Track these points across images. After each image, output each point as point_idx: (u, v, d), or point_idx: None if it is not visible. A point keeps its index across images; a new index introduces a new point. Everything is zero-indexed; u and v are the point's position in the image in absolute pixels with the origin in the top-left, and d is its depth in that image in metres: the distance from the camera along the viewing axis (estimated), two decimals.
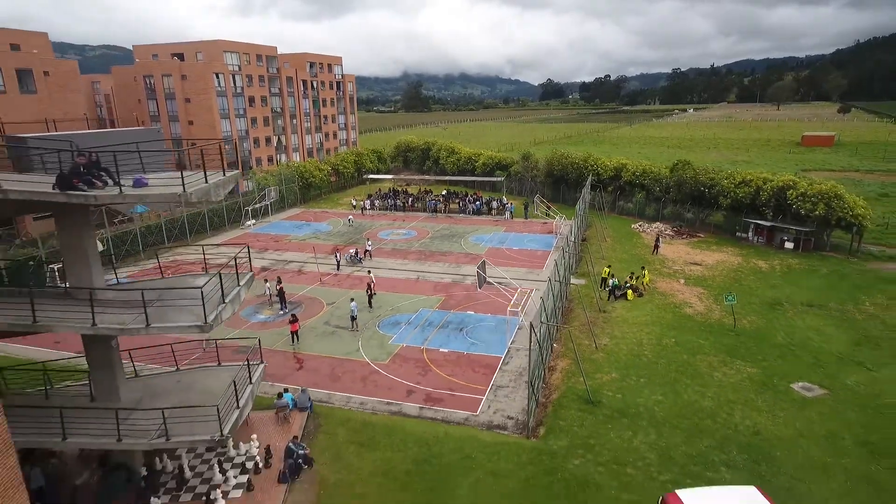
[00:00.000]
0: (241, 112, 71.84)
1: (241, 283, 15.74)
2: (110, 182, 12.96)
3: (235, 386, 15.45)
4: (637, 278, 32.10)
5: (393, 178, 69.42)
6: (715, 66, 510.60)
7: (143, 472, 15.98)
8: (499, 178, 61.20)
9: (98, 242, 17.96)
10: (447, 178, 67.10)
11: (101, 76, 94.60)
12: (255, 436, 17.61)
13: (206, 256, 19.00)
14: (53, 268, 30.69)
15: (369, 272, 33.78)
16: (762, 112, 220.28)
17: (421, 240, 45.46)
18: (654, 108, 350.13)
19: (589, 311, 28.21)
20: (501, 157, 66.92)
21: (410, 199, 58.99)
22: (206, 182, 13.19)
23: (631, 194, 52.12)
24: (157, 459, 16.68)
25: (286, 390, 20.26)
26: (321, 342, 26.20)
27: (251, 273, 16.80)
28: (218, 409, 14.11)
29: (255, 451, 17.14)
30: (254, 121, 74.03)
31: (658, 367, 22.91)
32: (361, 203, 57.64)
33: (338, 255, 38.67)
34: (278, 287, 30.46)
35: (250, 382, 16.60)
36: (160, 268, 21.83)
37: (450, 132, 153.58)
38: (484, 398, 20.86)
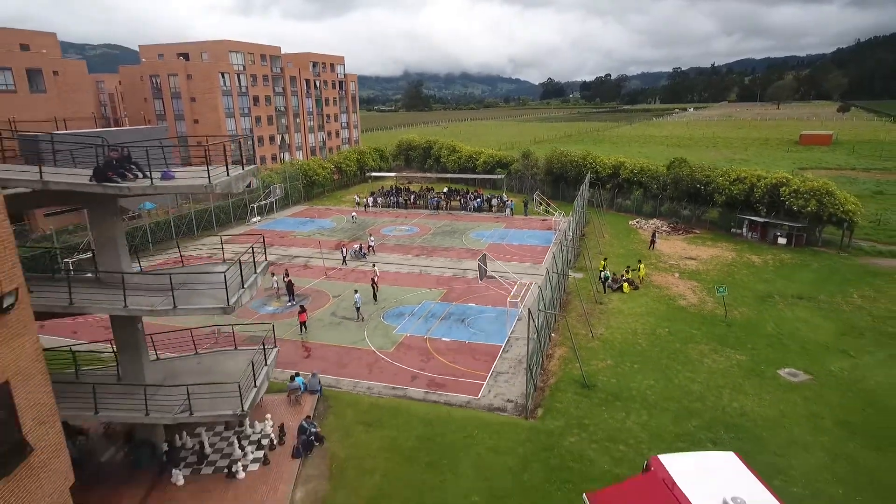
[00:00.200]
0: (246, 111, 73.02)
1: (258, 271, 16.82)
2: (140, 175, 14.09)
3: (253, 366, 16.57)
4: (633, 271, 33.19)
5: (395, 175, 70.48)
6: (716, 65, 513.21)
7: (165, 447, 17.11)
8: (499, 176, 62.26)
9: None
10: (448, 175, 68.24)
11: (105, 75, 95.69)
12: (269, 415, 18.73)
13: (214, 251, 20.08)
14: (68, 261, 31.83)
15: (374, 266, 34.93)
16: (762, 111, 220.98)
17: (423, 236, 46.52)
18: (655, 107, 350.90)
19: (586, 302, 29.27)
20: (502, 156, 68.01)
21: (412, 196, 60.03)
22: (228, 175, 14.30)
23: (629, 192, 53.20)
24: (178, 437, 17.80)
25: (298, 374, 21.36)
26: (328, 332, 27.26)
27: (266, 262, 17.87)
28: (239, 386, 15.20)
29: (269, 429, 18.24)
30: (258, 119, 75.18)
31: (651, 354, 24.00)
32: (364, 200, 58.75)
33: (343, 249, 39.80)
34: (286, 280, 31.54)
35: (266, 364, 17.68)
36: (181, 257, 22.88)
37: (451, 131, 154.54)
38: (485, 383, 21.93)
